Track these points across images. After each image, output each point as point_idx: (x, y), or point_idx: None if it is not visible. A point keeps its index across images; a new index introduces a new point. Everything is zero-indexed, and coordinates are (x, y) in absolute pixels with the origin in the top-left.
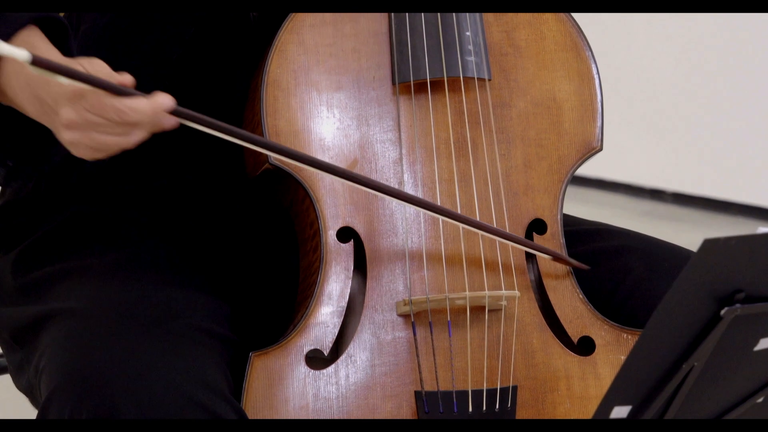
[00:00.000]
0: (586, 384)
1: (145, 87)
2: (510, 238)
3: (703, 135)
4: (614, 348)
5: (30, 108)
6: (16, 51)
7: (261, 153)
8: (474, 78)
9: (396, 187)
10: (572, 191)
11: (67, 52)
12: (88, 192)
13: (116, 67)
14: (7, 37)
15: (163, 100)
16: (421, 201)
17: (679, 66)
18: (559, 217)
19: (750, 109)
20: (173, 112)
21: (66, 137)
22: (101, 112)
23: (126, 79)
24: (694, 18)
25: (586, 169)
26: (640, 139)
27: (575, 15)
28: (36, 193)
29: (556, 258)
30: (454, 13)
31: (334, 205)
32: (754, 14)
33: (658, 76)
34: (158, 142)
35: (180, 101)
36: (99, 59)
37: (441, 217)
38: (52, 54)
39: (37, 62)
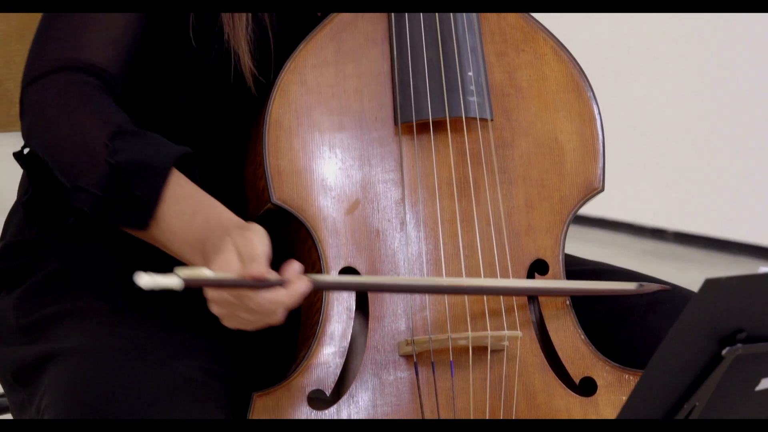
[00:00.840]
0: None
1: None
2: (541, 291)
3: (704, 174)
4: (616, 389)
5: (188, 250)
6: (168, 281)
7: (264, 192)
8: (476, 118)
9: (399, 226)
10: (574, 230)
11: (194, 178)
12: (90, 233)
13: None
14: (157, 197)
15: (300, 287)
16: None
17: (680, 106)
18: (561, 257)
19: (751, 148)
20: (314, 286)
21: (213, 310)
22: (243, 302)
23: (257, 270)
24: (694, 57)
25: (588, 209)
26: (642, 178)
27: (584, 63)
28: (39, 234)
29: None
30: (456, 54)
31: (337, 245)
32: (755, 54)
33: (660, 116)
34: None
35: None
36: (256, 233)
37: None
38: (192, 190)
39: (189, 284)
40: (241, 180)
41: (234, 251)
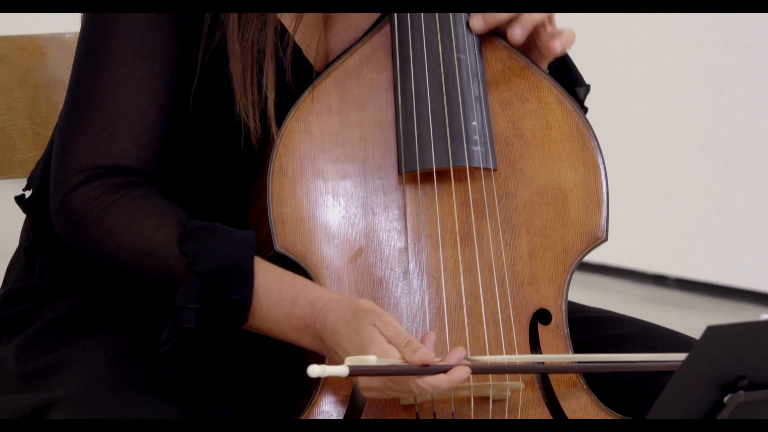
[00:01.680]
0: None
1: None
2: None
3: (706, 220)
4: None
5: (293, 333)
6: (337, 370)
7: (267, 239)
8: (480, 168)
9: (402, 275)
10: (576, 277)
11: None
12: (91, 281)
13: None
14: (251, 294)
15: (461, 375)
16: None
17: (682, 152)
18: (563, 307)
19: (753, 194)
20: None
21: (366, 394)
22: (403, 387)
23: (427, 356)
24: (695, 103)
25: (590, 255)
26: (643, 223)
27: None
28: (40, 281)
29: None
30: (460, 103)
31: (339, 293)
32: (757, 100)
33: (661, 161)
34: None
35: (189, 190)
36: (388, 315)
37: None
38: (280, 275)
39: (354, 373)
40: (246, 227)
41: (383, 337)
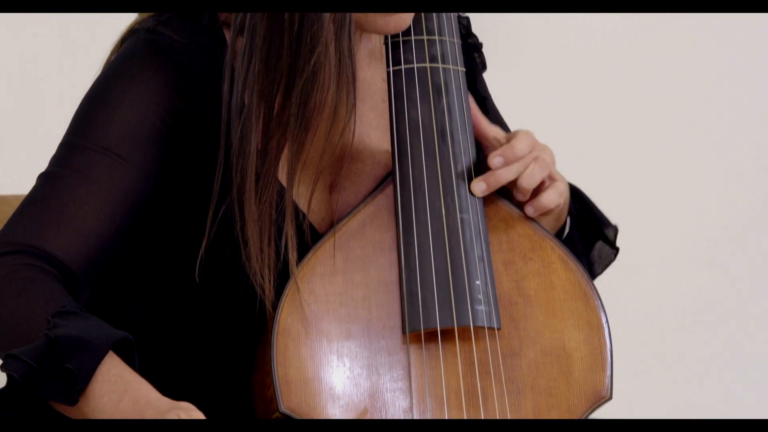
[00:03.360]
0: None
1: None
2: None
3: (712, 379)
4: None
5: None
6: None
7: (272, 401)
8: (484, 327)
9: None
10: None
11: (133, 365)
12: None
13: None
14: (92, 371)
15: None
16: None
17: (687, 305)
18: None
19: (758, 385)
20: None
21: None
22: None
23: None
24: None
25: (593, 413)
26: (648, 384)
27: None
28: None
29: None
30: (464, 263)
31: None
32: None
33: (666, 320)
34: (170, 384)
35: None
36: (197, 411)
37: None
38: (124, 371)
39: None
40: (249, 386)
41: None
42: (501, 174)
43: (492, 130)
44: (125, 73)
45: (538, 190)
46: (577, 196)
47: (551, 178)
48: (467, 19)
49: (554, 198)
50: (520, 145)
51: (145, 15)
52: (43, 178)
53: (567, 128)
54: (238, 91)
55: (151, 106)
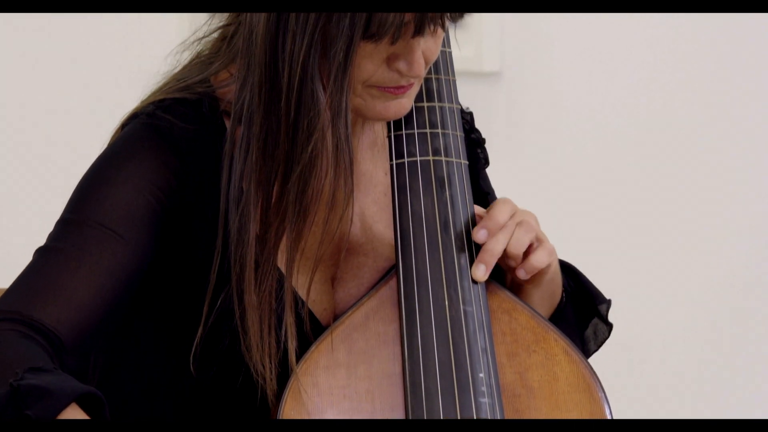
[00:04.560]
0: None
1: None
2: None
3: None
4: None
5: None
6: None
7: None
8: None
9: None
10: None
11: (104, 420)
12: None
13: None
14: (54, 414)
15: None
16: None
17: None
18: None
19: None
20: None
21: None
22: None
23: None
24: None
25: None
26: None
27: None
28: None
29: None
30: (467, 355)
31: None
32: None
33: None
34: None
35: None
36: None
37: None
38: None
39: None
40: None
41: None
42: (492, 248)
43: None
44: (123, 153)
45: (527, 253)
46: (571, 272)
47: (538, 239)
48: (470, 114)
49: (544, 258)
50: (499, 214)
51: (145, 101)
52: (39, 253)
53: (568, 218)
54: (236, 180)
55: (147, 184)
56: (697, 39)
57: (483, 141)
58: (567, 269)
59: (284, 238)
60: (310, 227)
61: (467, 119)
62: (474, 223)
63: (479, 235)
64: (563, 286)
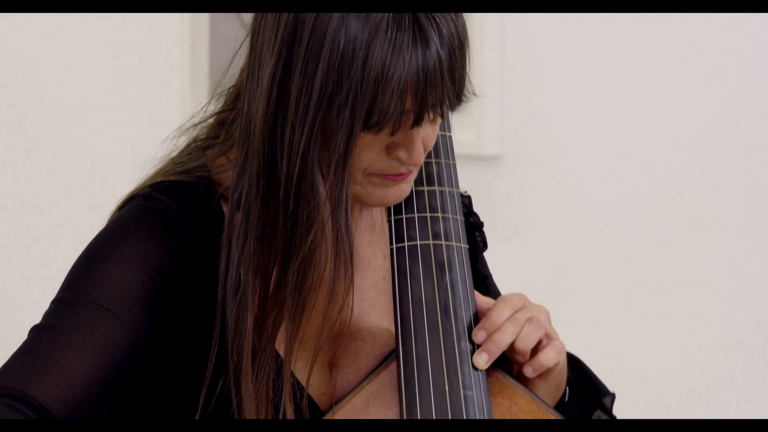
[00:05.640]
0: None
1: None
2: None
3: None
4: None
5: None
6: None
7: None
8: None
9: None
10: None
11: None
12: None
13: None
14: None
15: None
16: None
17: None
18: None
19: None
20: None
21: None
22: None
23: None
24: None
25: None
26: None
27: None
28: None
29: None
30: None
31: None
32: None
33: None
34: None
35: None
36: None
37: None
38: None
39: None
40: None
41: None
42: (499, 339)
43: (488, 303)
44: (118, 234)
45: (535, 350)
46: (575, 364)
47: (548, 337)
48: (469, 197)
49: (553, 356)
50: (497, 314)
51: (143, 184)
52: (33, 331)
53: (566, 303)
54: (233, 267)
55: (142, 263)
56: (695, 125)
57: (481, 224)
58: (571, 361)
59: (282, 328)
60: (309, 316)
61: (465, 203)
62: (474, 307)
63: (478, 336)
64: (567, 378)
